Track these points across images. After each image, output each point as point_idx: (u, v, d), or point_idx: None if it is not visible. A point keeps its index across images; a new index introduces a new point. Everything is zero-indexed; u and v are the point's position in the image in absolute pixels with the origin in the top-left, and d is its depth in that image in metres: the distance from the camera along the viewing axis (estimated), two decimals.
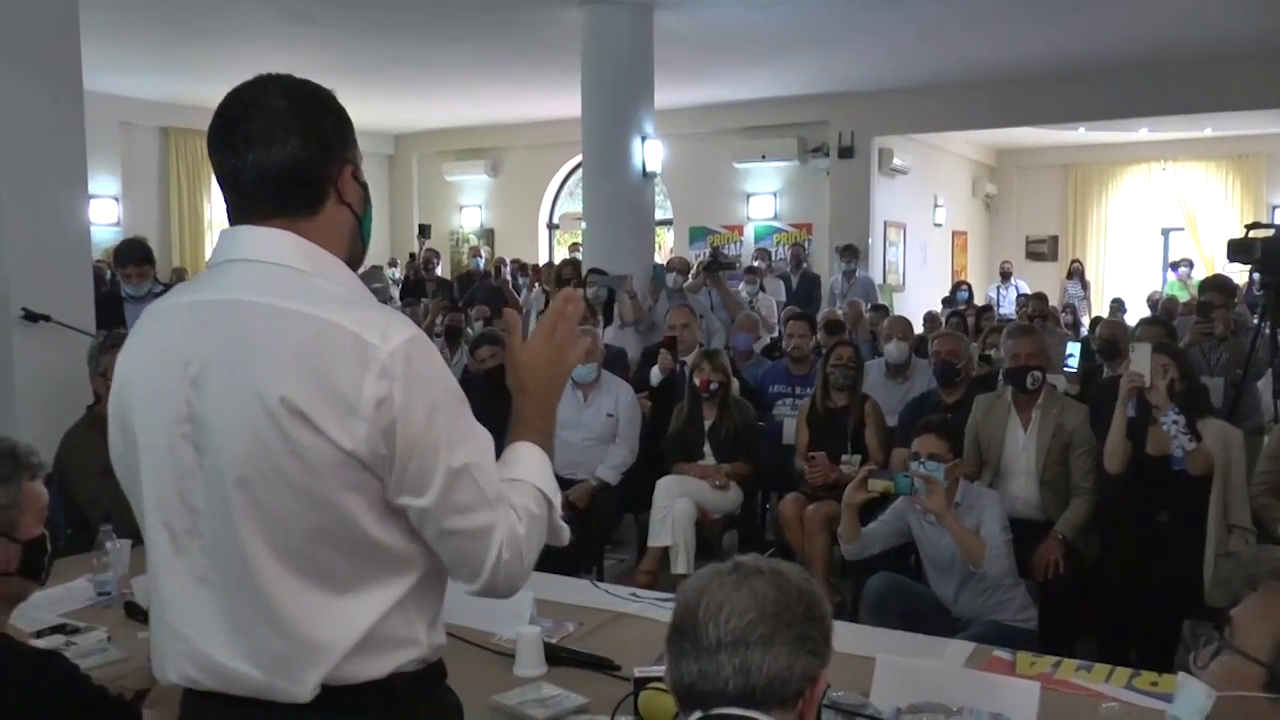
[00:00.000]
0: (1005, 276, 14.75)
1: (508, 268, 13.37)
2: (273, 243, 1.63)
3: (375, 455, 1.54)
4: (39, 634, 2.91)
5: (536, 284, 12.14)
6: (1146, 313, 11.64)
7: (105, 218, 12.08)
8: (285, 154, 1.61)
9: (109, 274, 9.78)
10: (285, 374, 1.52)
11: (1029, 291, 13.18)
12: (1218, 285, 6.46)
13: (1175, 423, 4.22)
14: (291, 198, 1.63)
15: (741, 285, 10.64)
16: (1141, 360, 4.31)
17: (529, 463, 1.75)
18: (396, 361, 1.53)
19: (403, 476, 1.56)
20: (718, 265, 9.64)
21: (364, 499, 1.56)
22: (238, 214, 1.66)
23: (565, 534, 1.79)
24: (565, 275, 9.61)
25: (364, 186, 1.74)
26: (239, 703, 1.62)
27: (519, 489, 1.70)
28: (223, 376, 1.57)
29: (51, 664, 2.18)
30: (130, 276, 6.00)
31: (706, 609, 1.57)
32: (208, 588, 1.61)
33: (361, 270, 1.79)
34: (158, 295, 5.80)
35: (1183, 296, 12.16)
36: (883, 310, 10.01)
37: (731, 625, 1.54)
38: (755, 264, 12.09)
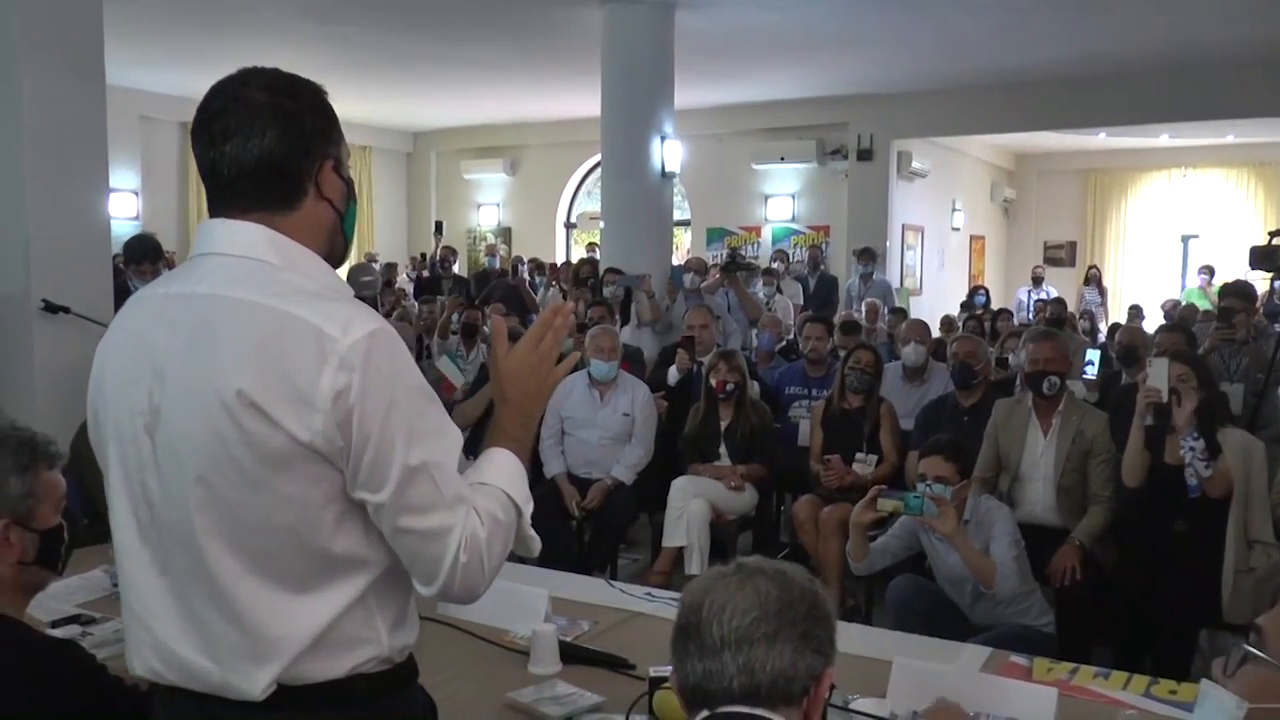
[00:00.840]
0: (1037, 282, 14.64)
1: (524, 266, 13.38)
2: (244, 237, 1.63)
3: (333, 447, 1.53)
4: (55, 624, 2.92)
5: (554, 283, 12.14)
6: (1162, 320, 11.57)
7: (125, 212, 12.11)
8: (262, 147, 1.60)
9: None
10: (243, 366, 1.52)
11: (1057, 296, 13.10)
12: (1238, 290, 6.41)
13: (1193, 449, 4.16)
14: (268, 191, 1.63)
15: (759, 287, 10.62)
16: (1158, 375, 4.26)
17: (500, 468, 1.73)
18: (355, 354, 1.52)
19: (358, 470, 1.55)
20: (735, 266, 9.61)
21: (322, 493, 1.55)
22: (216, 207, 1.66)
23: (535, 545, 1.77)
24: (583, 275, 9.61)
25: (348, 182, 1.73)
26: (201, 698, 1.62)
27: (486, 493, 1.68)
28: (182, 369, 1.57)
29: (68, 652, 2.18)
30: (145, 273, 6.00)
31: (710, 609, 1.57)
32: (167, 579, 1.62)
33: (352, 265, 1.78)
34: None
35: (1202, 304, 12.08)
36: (901, 313, 9.97)
37: (735, 624, 1.54)
38: (774, 265, 12.06)
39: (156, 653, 1.64)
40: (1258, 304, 7.36)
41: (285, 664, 1.57)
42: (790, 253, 14.03)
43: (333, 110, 1.70)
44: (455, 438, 1.65)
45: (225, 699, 1.60)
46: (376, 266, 12.13)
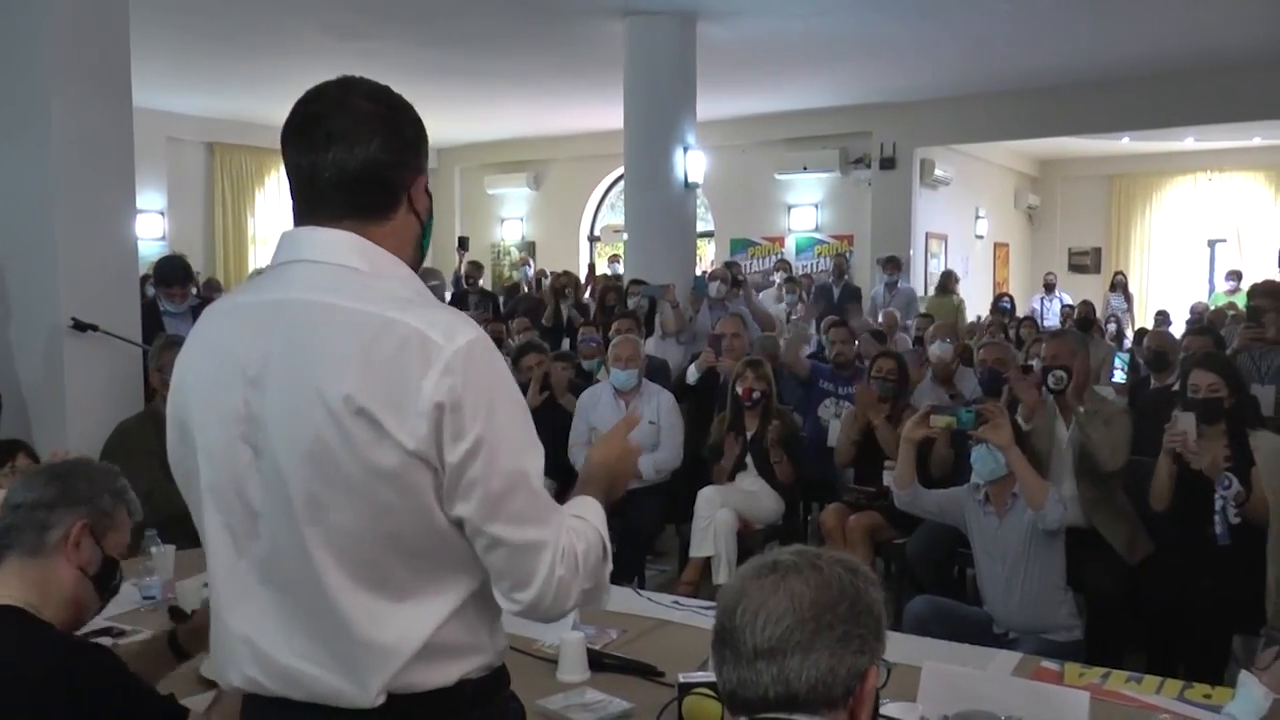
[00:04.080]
0: (1049, 288, 14.64)
1: (548, 279, 13.42)
2: (334, 243, 1.61)
3: (436, 455, 1.52)
4: (84, 636, 2.94)
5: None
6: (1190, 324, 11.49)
7: (151, 232, 12.22)
8: (368, 155, 1.60)
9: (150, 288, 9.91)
10: (349, 372, 1.51)
11: (1072, 303, 13.10)
12: (1269, 290, 6.34)
13: (1224, 497, 4.09)
14: (366, 200, 1.62)
15: (783, 295, 10.64)
16: (1187, 424, 4.23)
17: (595, 512, 1.77)
18: (459, 360, 1.52)
19: (456, 480, 1.53)
20: (735, 282, 9.66)
21: (426, 501, 1.55)
22: (305, 214, 1.64)
23: (608, 597, 1.79)
24: (609, 303, 9.59)
25: (429, 196, 1.74)
26: (301, 709, 1.61)
27: (584, 526, 1.70)
28: (283, 376, 1.55)
29: (98, 656, 2.21)
30: (173, 296, 6.03)
31: (743, 614, 1.51)
32: (269, 589, 1.60)
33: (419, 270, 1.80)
34: (196, 309, 5.87)
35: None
36: (928, 318, 9.99)
37: (767, 633, 1.48)
38: (798, 275, 12.07)
39: (258, 663, 1.62)
40: None
41: (394, 672, 1.57)
42: (814, 262, 14.04)
43: (424, 127, 1.70)
44: (542, 453, 1.65)
45: (327, 708, 1.59)
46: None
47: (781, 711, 1.49)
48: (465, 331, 1.55)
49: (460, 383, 1.51)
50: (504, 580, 1.61)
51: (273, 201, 14.54)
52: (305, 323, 1.56)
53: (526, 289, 12.78)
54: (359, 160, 1.59)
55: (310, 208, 1.64)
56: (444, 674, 1.61)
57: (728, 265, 11.07)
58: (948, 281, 12.86)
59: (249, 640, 1.62)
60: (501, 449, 1.55)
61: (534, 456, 1.62)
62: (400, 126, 1.64)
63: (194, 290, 6.38)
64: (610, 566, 1.74)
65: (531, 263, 14.33)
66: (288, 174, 1.65)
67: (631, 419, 2.09)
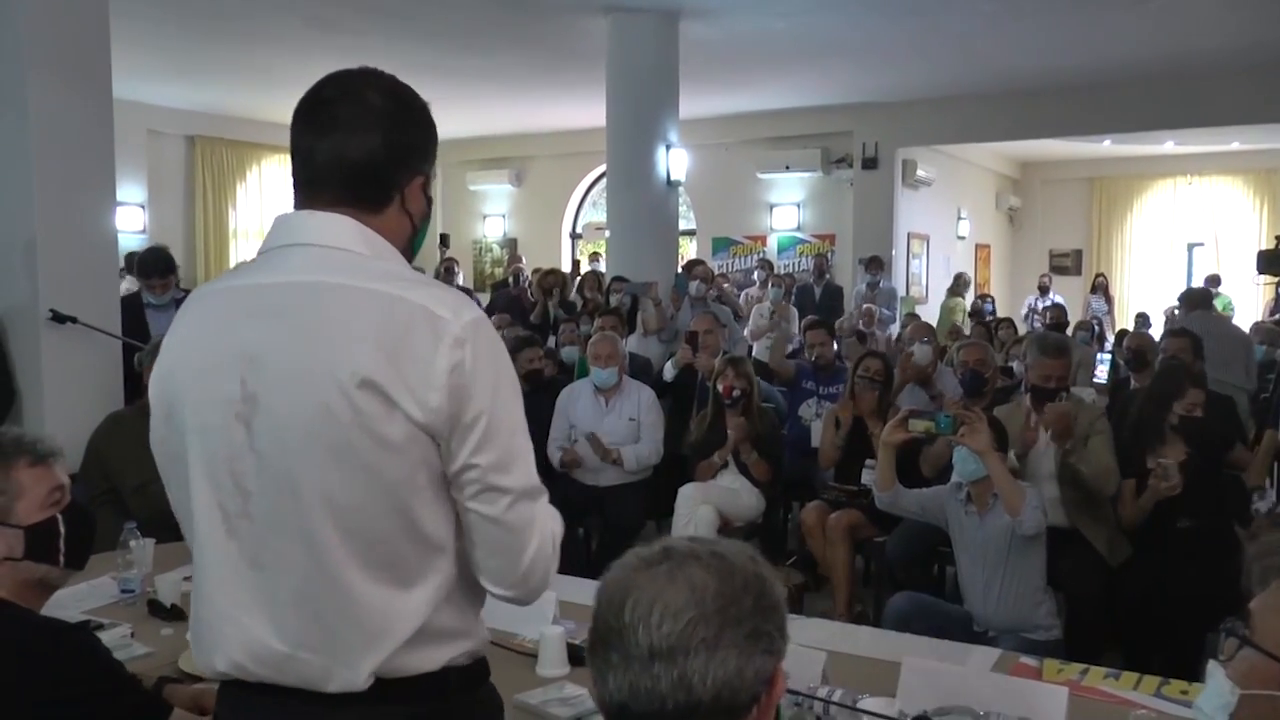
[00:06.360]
0: (1044, 290, 14.73)
1: (525, 277, 13.41)
2: (334, 227, 1.63)
3: (443, 423, 1.54)
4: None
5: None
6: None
7: (131, 225, 12.11)
8: (364, 148, 1.62)
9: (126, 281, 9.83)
10: (356, 347, 1.53)
11: (1063, 304, 13.26)
12: (1193, 300, 6.29)
13: None
14: (355, 191, 1.64)
15: (768, 290, 10.68)
16: (1174, 471, 4.33)
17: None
18: (468, 332, 1.56)
19: (465, 440, 1.56)
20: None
21: (424, 476, 1.57)
22: (304, 197, 1.67)
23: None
24: (586, 294, 9.58)
25: (429, 201, 1.76)
26: (285, 694, 1.60)
27: (551, 508, 1.75)
28: (287, 355, 1.56)
29: (80, 637, 2.21)
30: (154, 288, 5.95)
31: (634, 610, 1.28)
32: (260, 571, 1.60)
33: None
34: (180, 301, 5.81)
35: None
36: (911, 318, 10.04)
37: (665, 630, 1.26)
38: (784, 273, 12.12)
39: (245, 647, 1.61)
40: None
41: (389, 653, 1.58)
42: (796, 261, 14.08)
43: (436, 130, 1.73)
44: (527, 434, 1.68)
45: (311, 693, 1.59)
46: None
47: None
48: (470, 309, 1.60)
49: (470, 355, 1.55)
50: (494, 558, 1.63)
51: (254, 195, 14.41)
52: (308, 302, 1.57)
53: (511, 285, 12.78)
54: (354, 150, 1.62)
55: (308, 190, 1.66)
56: (432, 658, 1.62)
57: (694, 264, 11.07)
58: (957, 285, 13.34)
59: (237, 622, 1.61)
60: (503, 425, 1.59)
61: (527, 438, 1.66)
62: (406, 126, 1.67)
63: (178, 282, 6.28)
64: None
65: (524, 260, 14.31)
66: (291, 156, 1.68)
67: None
